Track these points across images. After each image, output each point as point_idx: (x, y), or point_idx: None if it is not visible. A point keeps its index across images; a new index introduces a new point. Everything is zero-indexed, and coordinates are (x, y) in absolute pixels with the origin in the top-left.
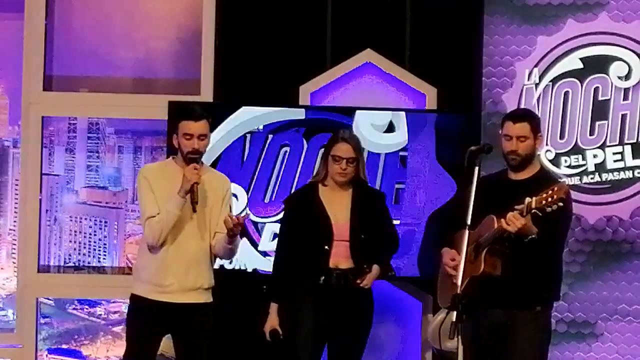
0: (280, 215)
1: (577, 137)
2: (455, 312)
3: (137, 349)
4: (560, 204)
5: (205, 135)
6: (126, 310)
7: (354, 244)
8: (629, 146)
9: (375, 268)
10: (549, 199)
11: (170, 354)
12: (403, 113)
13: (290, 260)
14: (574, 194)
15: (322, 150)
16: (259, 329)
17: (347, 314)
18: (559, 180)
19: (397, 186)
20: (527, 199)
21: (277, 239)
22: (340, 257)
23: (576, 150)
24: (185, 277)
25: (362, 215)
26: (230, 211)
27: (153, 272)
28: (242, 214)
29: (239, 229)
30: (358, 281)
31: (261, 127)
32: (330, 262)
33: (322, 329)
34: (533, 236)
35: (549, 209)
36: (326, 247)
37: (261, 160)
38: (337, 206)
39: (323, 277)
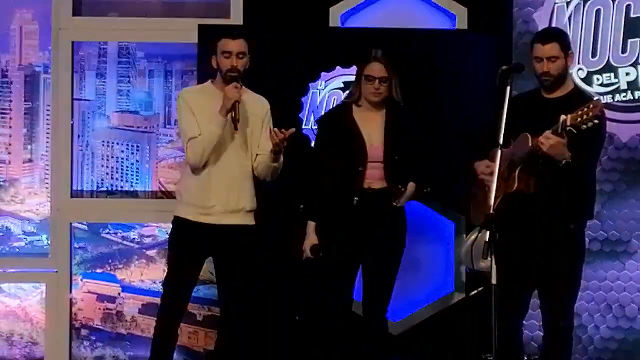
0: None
1: (609, 55)
2: (488, 232)
3: (179, 271)
4: (596, 121)
5: (244, 54)
6: (159, 234)
7: (387, 165)
8: None
9: (411, 185)
10: (584, 116)
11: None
12: None
13: (324, 180)
14: (607, 113)
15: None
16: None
17: (380, 234)
18: (593, 98)
19: None
20: (562, 117)
21: (311, 158)
22: (373, 178)
23: (608, 68)
24: (227, 199)
25: (395, 137)
26: (271, 133)
27: (195, 194)
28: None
29: (284, 144)
30: (394, 202)
31: None
32: (364, 183)
33: (355, 249)
34: (567, 160)
35: (583, 126)
36: (360, 168)
37: None
38: (371, 127)
39: (357, 198)
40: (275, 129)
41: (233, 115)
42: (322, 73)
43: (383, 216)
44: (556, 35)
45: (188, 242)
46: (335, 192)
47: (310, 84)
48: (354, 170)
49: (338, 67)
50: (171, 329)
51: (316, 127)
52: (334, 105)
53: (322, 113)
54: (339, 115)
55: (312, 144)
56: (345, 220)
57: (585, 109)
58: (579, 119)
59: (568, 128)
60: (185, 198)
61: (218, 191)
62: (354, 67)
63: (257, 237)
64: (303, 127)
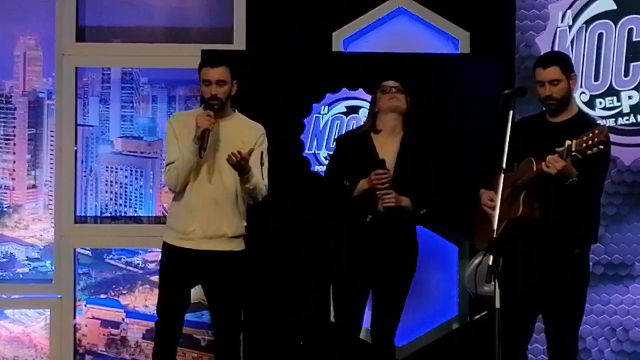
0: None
1: (611, 79)
2: (491, 256)
3: (168, 296)
4: (601, 147)
5: (225, 82)
6: None
7: (395, 190)
8: None
9: (405, 199)
10: (590, 142)
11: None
12: None
13: (340, 197)
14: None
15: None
16: None
17: (391, 256)
18: (597, 123)
19: None
20: (567, 142)
21: (325, 174)
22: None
23: (611, 91)
24: (208, 224)
25: (408, 162)
26: (262, 158)
27: (178, 219)
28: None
29: (241, 165)
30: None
31: None
32: (378, 204)
33: (364, 271)
34: (574, 179)
35: (589, 152)
36: (377, 191)
37: None
38: (387, 152)
39: (370, 216)
40: (234, 151)
41: (201, 143)
42: (327, 95)
43: (394, 238)
44: (557, 59)
45: (173, 267)
46: (351, 211)
47: (313, 105)
48: (370, 192)
49: (344, 89)
50: (169, 354)
51: (334, 145)
52: (342, 130)
53: (342, 133)
54: (358, 136)
55: (328, 161)
56: (357, 241)
57: (591, 135)
58: (584, 145)
59: (573, 153)
60: (169, 222)
61: (198, 216)
62: (360, 90)
63: (246, 263)
64: (306, 151)
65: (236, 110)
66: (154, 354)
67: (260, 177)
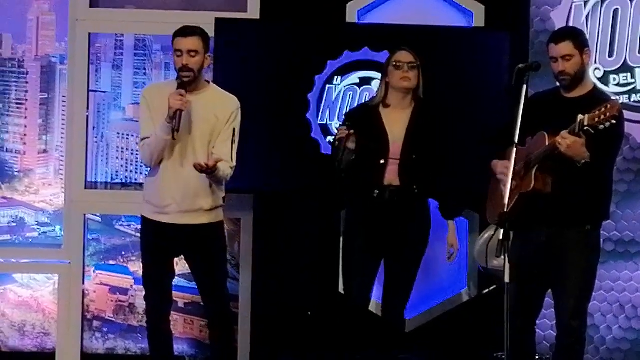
0: None
1: (626, 55)
2: (502, 230)
3: (150, 268)
4: (613, 121)
5: (197, 52)
6: None
7: (402, 162)
8: None
9: (452, 224)
10: (602, 117)
11: None
12: None
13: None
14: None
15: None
16: None
17: (400, 230)
18: (612, 98)
19: None
20: (580, 116)
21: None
22: (393, 174)
23: (625, 68)
24: (183, 199)
25: (417, 135)
26: (234, 135)
27: (153, 193)
28: (214, 157)
29: (207, 172)
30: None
31: None
32: (384, 178)
33: (375, 244)
34: (586, 160)
35: (601, 127)
36: (382, 162)
37: None
38: (396, 125)
39: (377, 192)
40: (197, 162)
41: (173, 124)
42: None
43: (406, 213)
44: (569, 34)
45: (152, 240)
46: (358, 184)
47: (316, 77)
48: (376, 165)
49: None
50: (162, 325)
51: (343, 119)
52: (355, 101)
53: (350, 108)
54: (368, 110)
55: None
56: (367, 214)
57: (603, 109)
58: (596, 119)
59: (585, 128)
60: (146, 196)
61: (173, 191)
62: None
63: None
64: (319, 121)
65: (210, 82)
66: (148, 327)
67: (228, 158)
